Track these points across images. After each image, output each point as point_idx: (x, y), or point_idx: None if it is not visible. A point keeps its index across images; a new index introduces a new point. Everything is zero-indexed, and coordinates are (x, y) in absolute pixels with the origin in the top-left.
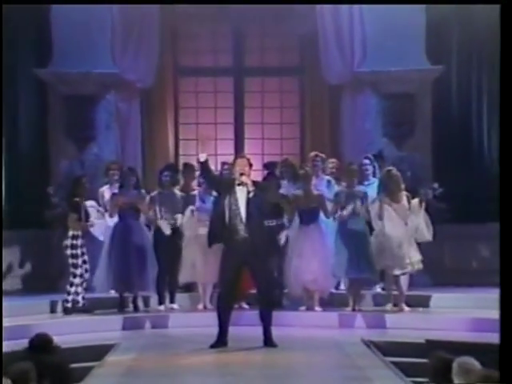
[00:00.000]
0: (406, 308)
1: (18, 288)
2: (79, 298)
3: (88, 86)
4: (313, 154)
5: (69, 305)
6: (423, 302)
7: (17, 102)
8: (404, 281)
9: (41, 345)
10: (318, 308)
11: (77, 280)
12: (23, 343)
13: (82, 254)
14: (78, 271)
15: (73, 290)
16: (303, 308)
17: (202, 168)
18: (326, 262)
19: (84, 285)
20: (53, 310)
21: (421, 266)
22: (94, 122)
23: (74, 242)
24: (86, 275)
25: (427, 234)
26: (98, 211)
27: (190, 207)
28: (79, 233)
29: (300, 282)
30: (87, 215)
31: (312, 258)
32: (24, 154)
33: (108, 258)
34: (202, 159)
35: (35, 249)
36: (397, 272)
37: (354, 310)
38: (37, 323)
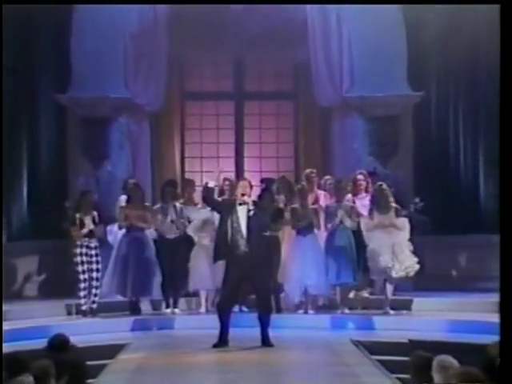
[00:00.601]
0: (391, 311)
1: (38, 293)
2: (90, 301)
3: (102, 110)
4: (308, 170)
5: (83, 307)
6: (406, 306)
7: (38, 124)
8: (389, 287)
9: (59, 344)
10: (311, 311)
11: (81, 285)
12: (43, 343)
13: (82, 262)
14: (81, 277)
15: (81, 294)
16: (301, 311)
17: (206, 191)
18: (323, 269)
19: (94, 290)
20: (69, 313)
21: (416, 267)
22: (107, 142)
23: (75, 250)
24: (94, 282)
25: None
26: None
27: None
28: (79, 243)
29: (301, 288)
30: (95, 225)
31: (311, 265)
32: (44, 170)
33: (114, 266)
34: (210, 185)
35: (54, 257)
36: (394, 276)
37: (343, 312)
38: (54, 324)
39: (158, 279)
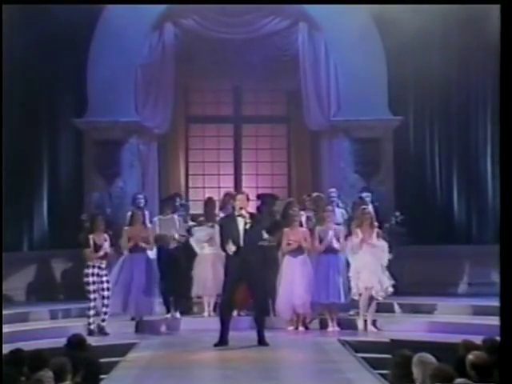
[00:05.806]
0: (374, 329)
1: (56, 296)
2: (100, 319)
3: (115, 132)
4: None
5: (91, 327)
6: (388, 308)
7: (58, 145)
8: (372, 305)
9: (76, 343)
10: (301, 328)
11: (92, 304)
12: (60, 342)
13: (93, 282)
14: (92, 296)
15: (91, 313)
16: (291, 328)
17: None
18: (311, 289)
19: (105, 309)
20: (81, 316)
21: (390, 290)
22: (119, 161)
23: (87, 270)
24: (105, 301)
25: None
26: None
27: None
28: (91, 263)
29: (291, 307)
30: (99, 248)
31: (300, 285)
32: (63, 187)
33: (117, 286)
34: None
35: (71, 265)
36: (374, 295)
37: (333, 332)
38: (72, 325)
39: (158, 299)
